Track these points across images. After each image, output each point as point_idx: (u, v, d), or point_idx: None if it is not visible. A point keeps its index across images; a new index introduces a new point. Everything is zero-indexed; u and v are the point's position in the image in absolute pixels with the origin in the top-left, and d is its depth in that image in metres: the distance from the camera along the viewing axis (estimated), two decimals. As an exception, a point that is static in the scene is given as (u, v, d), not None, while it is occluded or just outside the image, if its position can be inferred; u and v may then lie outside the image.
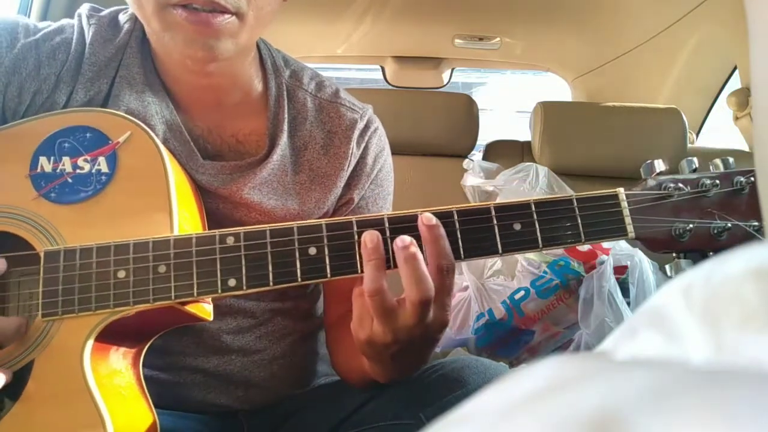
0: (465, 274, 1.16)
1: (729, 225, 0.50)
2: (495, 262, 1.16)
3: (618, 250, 1.14)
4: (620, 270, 1.11)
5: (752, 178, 0.50)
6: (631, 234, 0.50)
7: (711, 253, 0.52)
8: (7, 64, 0.56)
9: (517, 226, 0.49)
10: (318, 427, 0.64)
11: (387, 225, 0.50)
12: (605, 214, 0.50)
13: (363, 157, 0.68)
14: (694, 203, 0.51)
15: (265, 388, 0.69)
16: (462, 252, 0.49)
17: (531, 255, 1.12)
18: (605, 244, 1.15)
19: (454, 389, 0.55)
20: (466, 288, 1.16)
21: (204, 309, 0.54)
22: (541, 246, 0.49)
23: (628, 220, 0.50)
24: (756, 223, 0.50)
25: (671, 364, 0.13)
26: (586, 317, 1.05)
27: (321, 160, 0.66)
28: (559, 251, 1.12)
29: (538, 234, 0.49)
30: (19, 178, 0.51)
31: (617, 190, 0.51)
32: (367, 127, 0.68)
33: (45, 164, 0.52)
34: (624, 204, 0.50)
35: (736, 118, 1.47)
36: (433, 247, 0.47)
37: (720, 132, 1.71)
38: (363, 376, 0.60)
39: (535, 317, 1.11)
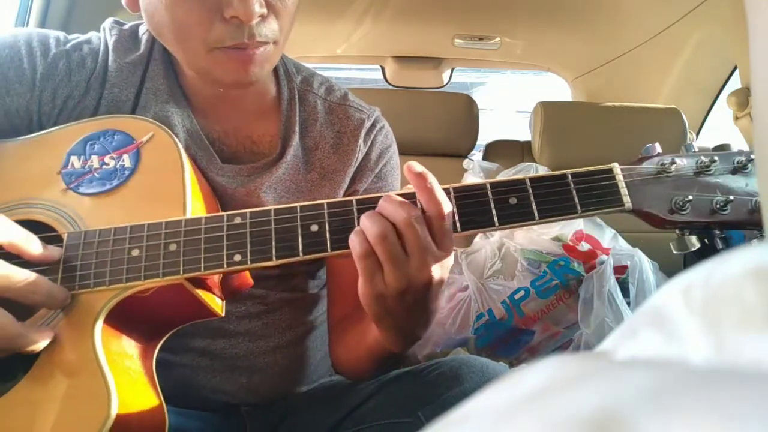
0: (465, 274, 1.16)
1: (732, 198, 0.48)
2: (495, 262, 1.16)
3: (618, 250, 1.14)
4: (620, 270, 1.11)
5: (752, 156, 0.49)
6: (628, 205, 0.50)
7: (717, 232, 0.50)
8: (42, 72, 0.61)
9: (513, 200, 0.50)
10: (318, 426, 0.65)
11: None
12: (600, 187, 0.50)
13: (368, 152, 0.71)
14: (693, 180, 0.50)
15: (268, 376, 0.70)
16: (459, 225, 0.50)
17: (531, 255, 1.12)
18: (605, 244, 1.15)
19: (452, 387, 0.55)
20: (466, 288, 1.16)
21: (216, 302, 0.56)
22: (537, 218, 0.50)
23: (624, 191, 0.50)
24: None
25: (671, 364, 0.13)
26: (586, 317, 1.05)
27: (331, 158, 0.69)
28: (560, 251, 1.12)
29: (534, 207, 0.50)
30: (52, 175, 0.57)
31: (612, 165, 0.51)
32: (373, 125, 0.72)
33: (75, 162, 0.57)
34: (619, 177, 0.51)
35: (736, 118, 1.47)
36: (426, 195, 0.48)
37: (720, 132, 1.71)
38: (372, 355, 0.60)
39: (535, 317, 1.11)
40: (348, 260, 0.51)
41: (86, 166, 0.57)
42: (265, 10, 0.54)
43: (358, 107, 0.72)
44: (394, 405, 0.59)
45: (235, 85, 0.59)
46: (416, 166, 0.48)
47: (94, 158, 0.57)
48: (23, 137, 0.60)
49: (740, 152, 0.50)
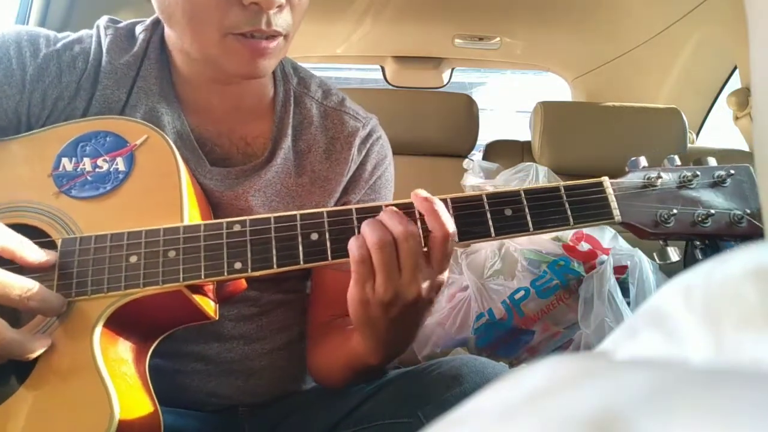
0: (465, 274, 1.16)
1: (712, 212, 0.51)
2: (495, 262, 1.16)
3: (618, 250, 1.14)
4: (620, 270, 1.11)
5: (732, 171, 0.52)
6: (618, 218, 0.52)
7: (698, 243, 0.53)
8: (32, 73, 0.59)
9: (508, 212, 0.52)
10: (317, 426, 0.64)
11: None
12: (592, 200, 0.53)
13: (363, 163, 0.70)
14: (677, 193, 0.53)
15: (264, 379, 0.70)
16: (456, 236, 0.51)
17: (531, 255, 1.12)
18: (605, 244, 1.15)
19: (452, 387, 0.55)
20: (466, 288, 1.16)
21: (210, 305, 0.56)
22: (531, 229, 0.51)
23: (613, 204, 0.52)
24: (738, 212, 0.51)
25: (671, 364, 0.13)
26: (586, 317, 1.05)
27: (323, 164, 0.68)
28: (560, 251, 1.12)
29: (529, 218, 0.52)
30: (42, 177, 0.55)
31: (602, 178, 0.53)
32: (369, 135, 0.71)
33: (67, 164, 0.55)
34: (609, 191, 0.53)
35: (736, 118, 1.47)
36: (432, 217, 0.49)
37: (720, 132, 1.71)
38: (349, 363, 0.60)
39: (535, 317, 1.11)
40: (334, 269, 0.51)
41: (78, 169, 0.55)
42: (283, 1, 0.54)
43: (354, 114, 0.71)
44: (394, 405, 0.59)
45: (242, 77, 0.59)
46: (422, 192, 0.50)
47: (86, 160, 0.56)
48: (10, 137, 0.58)
49: (720, 167, 0.53)
